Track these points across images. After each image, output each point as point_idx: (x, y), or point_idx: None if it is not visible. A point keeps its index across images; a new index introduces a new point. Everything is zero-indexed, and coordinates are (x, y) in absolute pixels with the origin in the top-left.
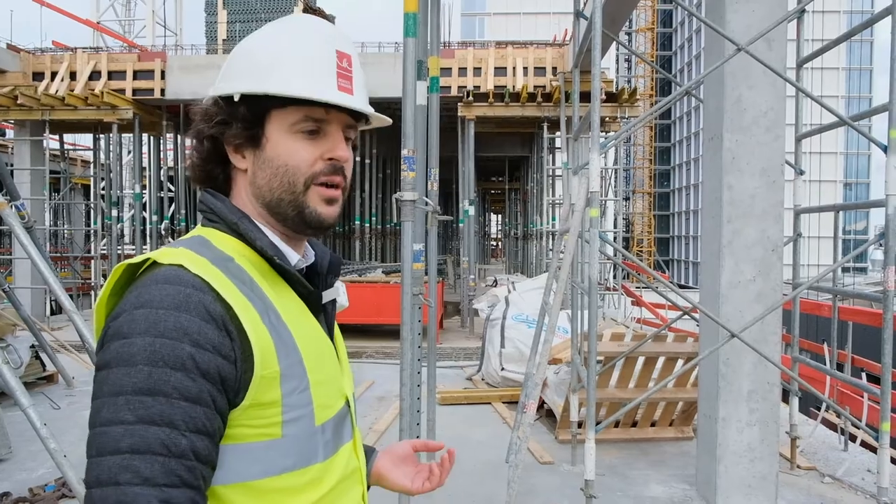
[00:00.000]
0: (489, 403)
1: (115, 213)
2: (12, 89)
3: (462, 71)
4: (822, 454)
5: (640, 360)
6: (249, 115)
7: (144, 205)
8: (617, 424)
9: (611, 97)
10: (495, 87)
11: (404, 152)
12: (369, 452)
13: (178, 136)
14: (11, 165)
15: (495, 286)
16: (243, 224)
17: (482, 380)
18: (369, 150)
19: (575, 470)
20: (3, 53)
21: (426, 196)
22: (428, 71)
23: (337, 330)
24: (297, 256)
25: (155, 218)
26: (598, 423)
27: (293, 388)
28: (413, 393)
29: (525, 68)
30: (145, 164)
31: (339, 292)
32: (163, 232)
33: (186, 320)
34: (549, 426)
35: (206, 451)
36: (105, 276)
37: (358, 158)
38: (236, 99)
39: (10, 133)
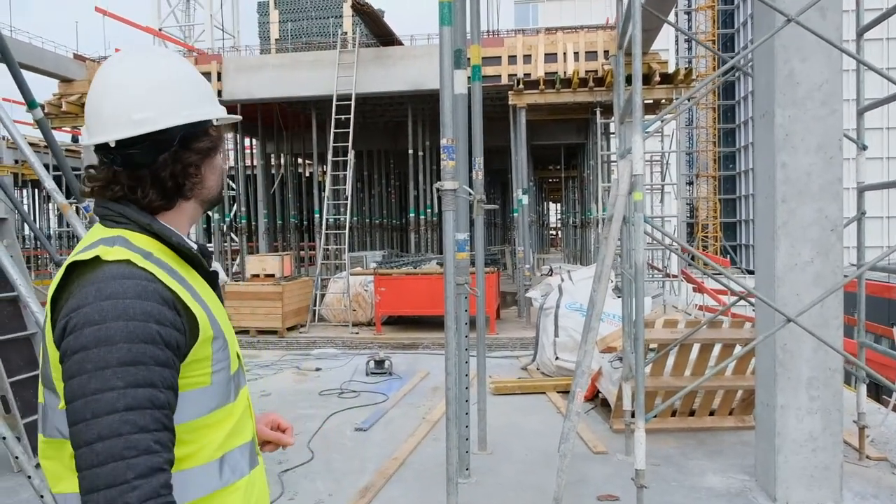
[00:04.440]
0: (543, 393)
1: None
2: (80, 97)
3: (512, 59)
4: (894, 444)
5: (696, 347)
6: (220, 133)
7: None
8: (674, 413)
9: (665, 78)
10: (546, 73)
11: (443, 142)
12: None
13: (237, 136)
14: (79, 170)
15: (550, 275)
16: (157, 224)
17: (537, 369)
18: (422, 142)
19: (628, 460)
20: (69, 63)
21: (470, 186)
22: (469, 60)
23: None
24: (194, 245)
25: (217, 216)
26: (652, 412)
27: (219, 346)
28: (461, 382)
29: (576, 53)
30: None
31: (219, 270)
32: (225, 229)
33: (149, 306)
34: (604, 416)
35: (174, 402)
36: None
37: (411, 150)
38: (216, 123)
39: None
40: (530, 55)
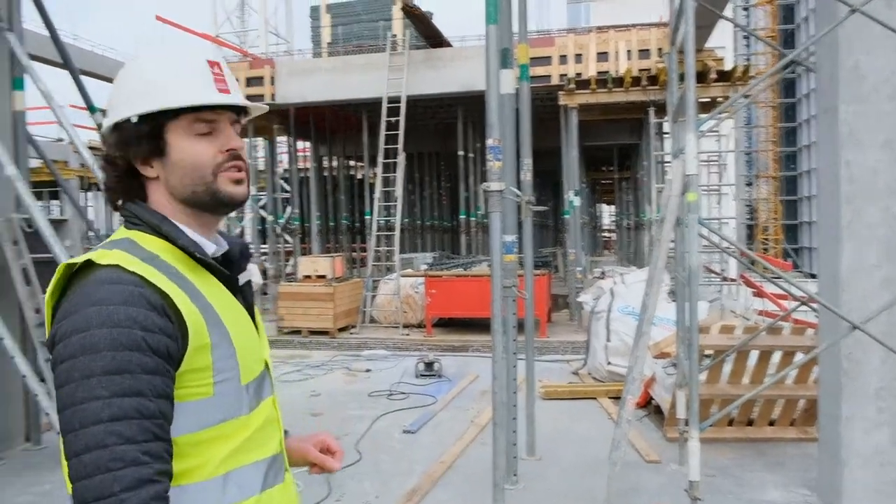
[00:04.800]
0: (594, 398)
1: (233, 213)
2: None
3: (563, 59)
4: None
5: (755, 354)
6: (150, 130)
7: (263, 206)
8: (731, 423)
9: (722, 76)
10: (598, 72)
11: (489, 142)
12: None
13: (289, 139)
14: None
15: (602, 278)
16: (165, 225)
17: (588, 374)
18: (472, 143)
19: (682, 470)
20: None
21: (517, 187)
22: (517, 60)
23: (256, 307)
24: (213, 246)
25: (271, 218)
26: (707, 421)
27: (222, 355)
28: (509, 387)
29: (628, 52)
30: (261, 167)
31: (252, 273)
32: (278, 231)
33: (134, 311)
34: (657, 423)
35: (168, 411)
36: None
37: (461, 152)
38: (134, 121)
39: None
40: (581, 54)
